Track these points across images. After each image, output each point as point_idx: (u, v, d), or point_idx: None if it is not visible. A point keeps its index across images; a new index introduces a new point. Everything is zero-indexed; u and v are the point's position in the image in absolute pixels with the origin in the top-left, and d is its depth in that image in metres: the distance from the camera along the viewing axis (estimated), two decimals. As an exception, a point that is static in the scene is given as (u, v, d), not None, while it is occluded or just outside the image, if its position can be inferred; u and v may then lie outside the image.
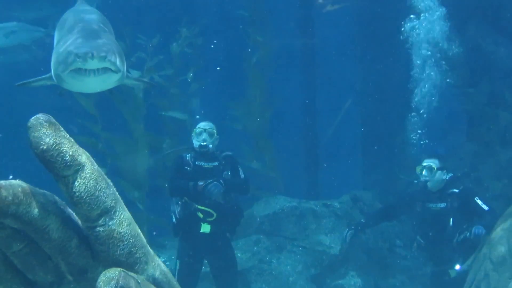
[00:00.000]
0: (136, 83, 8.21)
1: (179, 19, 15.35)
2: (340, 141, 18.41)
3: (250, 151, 15.41)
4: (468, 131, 14.57)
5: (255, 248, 12.85)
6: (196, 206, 9.98)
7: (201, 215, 10.02)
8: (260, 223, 13.23)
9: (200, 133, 10.16)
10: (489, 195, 12.71)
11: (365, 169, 16.48)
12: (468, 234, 9.86)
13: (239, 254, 12.59)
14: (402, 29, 14.38)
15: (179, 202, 10.13)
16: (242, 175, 10.32)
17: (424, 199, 10.58)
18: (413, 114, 13.89)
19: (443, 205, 10.45)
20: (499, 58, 14.01)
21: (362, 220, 11.70)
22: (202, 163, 10.19)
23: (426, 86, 14.64)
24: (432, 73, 14.80)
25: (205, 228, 10.03)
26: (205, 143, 10.08)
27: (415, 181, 10.78)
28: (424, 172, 10.50)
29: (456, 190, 10.44)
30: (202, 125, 10.26)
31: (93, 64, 6.27)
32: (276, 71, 16.02)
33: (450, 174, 10.66)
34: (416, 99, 14.14)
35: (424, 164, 10.56)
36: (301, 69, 18.16)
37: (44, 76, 7.27)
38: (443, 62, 14.48)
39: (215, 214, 10.02)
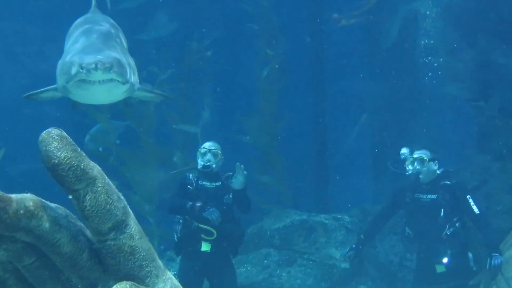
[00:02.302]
0: (148, 94, 7.85)
1: (190, 32, 15.43)
2: (350, 155, 18.41)
3: (260, 165, 15.43)
4: (479, 144, 14.53)
5: (265, 261, 12.85)
6: (197, 224, 9.98)
7: (201, 234, 10.02)
8: (270, 237, 13.23)
9: (204, 153, 10.14)
10: (500, 208, 12.67)
11: (375, 182, 16.47)
12: (487, 265, 9.75)
13: (249, 268, 12.60)
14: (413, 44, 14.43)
15: (180, 221, 10.13)
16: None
17: (415, 190, 10.55)
18: (423, 128, 13.90)
19: (433, 196, 10.40)
20: (510, 71, 13.98)
21: (362, 236, 11.60)
22: (205, 183, 10.18)
23: (437, 99, 14.64)
24: (442, 86, 14.81)
25: (206, 246, 10.02)
26: (208, 164, 10.07)
27: (407, 174, 10.75)
28: (415, 164, 10.48)
29: (449, 182, 10.41)
30: (207, 145, 10.23)
31: (98, 75, 5.97)
32: (286, 84, 16.05)
33: (441, 169, 10.63)
34: (426, 112, 14.14)
35: (415, 156, 10.54)
36: (312, 83, 18.17)
37: (50, 87, 6.99)
38: (454, 76, 14.49)
39: (215, 233, 10.01)
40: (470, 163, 13.93)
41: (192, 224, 10.00)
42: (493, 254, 9.71)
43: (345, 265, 12.56)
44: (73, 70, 6.02)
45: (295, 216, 13.47)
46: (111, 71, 5.98)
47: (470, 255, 10.35)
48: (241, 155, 12.40)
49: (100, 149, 14.10)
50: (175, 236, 10.25)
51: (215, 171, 10.17)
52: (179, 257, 10.57)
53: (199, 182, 10.17)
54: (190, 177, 10.25)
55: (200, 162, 10.13)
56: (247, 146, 15.59)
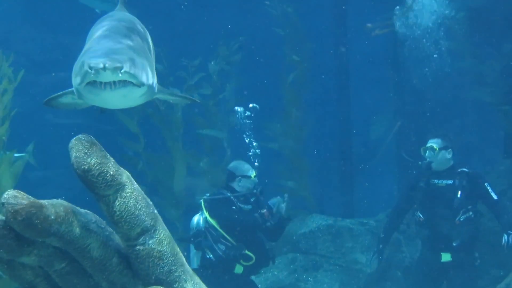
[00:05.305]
0: (171, 98, 7.20)
1: (217, 37, 15.48)
2: (376, 159, 18.37)
3: (285, 170, 15.44)
4: (505, 149, 14.45)
5: (292, 266, 12.86)
6: (245, 251, 10.06)
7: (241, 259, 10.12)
8: (297, 241, 13.23)
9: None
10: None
11: (400, 187, 16.41)
12: (503, 242, 9.87)
13: (275, 272, 12.61)
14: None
15: (228, 244, 10.15)
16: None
17: (430, 176, 10.58)
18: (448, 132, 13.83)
19: (450, 181, 10.44)
20: (536, 75, 13.90)
21: (382, 235, 11.58)
22: (243, 206, 10.27)
23: (463, 105, 14.57)
24: (469, 91, 14.76)
25: (239, 269, 10.12)
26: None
27: (420, 162, 10.79)
28: (427, 153, 10.54)
29: (466, 170, 10.44)
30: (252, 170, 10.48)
31: (107, 76, 5.36)
32: (312, 90, 16.05)
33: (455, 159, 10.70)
34: (452, 118, 14.08)
35: (428, 145, 10.61)
36: (337, 88, 18.15)
37: (67, 90, 6.28)
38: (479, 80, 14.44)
39: (254, 258, 10.09)
40: (496, 167, 13.85)
41: (242, 249, 10.06)
42: (509, 231, 9.89)
43: (370, 270, 12.54)
44: (82, 71, 5.46)
45: (321, 221, 13.46)
46: (121, 71, 5.41)
47: (476, 254, 10.42)
48: (267, 161, 12.42)
49: None
50: (210, 253, 10.18)
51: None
52: (201, 272, 10.53)
53: (238, 204, 10.28)
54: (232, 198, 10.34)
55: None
56: (273, 151, 15.60)
